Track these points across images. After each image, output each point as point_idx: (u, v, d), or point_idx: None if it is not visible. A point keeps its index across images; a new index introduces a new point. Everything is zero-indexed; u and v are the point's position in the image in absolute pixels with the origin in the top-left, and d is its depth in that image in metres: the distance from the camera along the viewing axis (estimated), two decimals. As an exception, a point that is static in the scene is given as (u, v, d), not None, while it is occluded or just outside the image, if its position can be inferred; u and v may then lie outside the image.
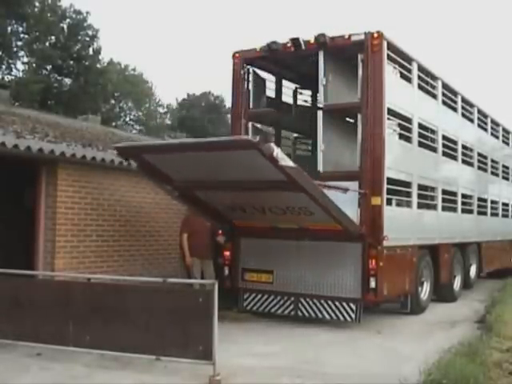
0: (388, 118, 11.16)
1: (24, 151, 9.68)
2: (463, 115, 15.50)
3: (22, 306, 8.23)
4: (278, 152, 8.41)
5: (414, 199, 12.26)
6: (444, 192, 13.83)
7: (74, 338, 7.93)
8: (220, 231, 12.34)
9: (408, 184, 12.10)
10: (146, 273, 12.02)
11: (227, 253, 12.06)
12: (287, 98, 14.26)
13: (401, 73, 12.16)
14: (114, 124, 39.53)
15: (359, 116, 10.96)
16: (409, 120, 12.25)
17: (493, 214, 18.00)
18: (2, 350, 8.30)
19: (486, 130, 17.53)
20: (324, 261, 11.04)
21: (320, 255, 11.09)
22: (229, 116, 29.06)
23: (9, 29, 36.47)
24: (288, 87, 14.27)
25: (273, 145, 8.43)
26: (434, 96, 13.55)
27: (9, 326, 8.27)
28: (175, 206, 13.08)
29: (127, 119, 52.40)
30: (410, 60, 12.20)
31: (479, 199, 16.64)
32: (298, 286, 11.26)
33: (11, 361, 8.00)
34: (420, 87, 12.73)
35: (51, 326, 8.05)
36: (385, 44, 10.92)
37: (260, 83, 12.87)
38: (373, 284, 10.53)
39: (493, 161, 17.90)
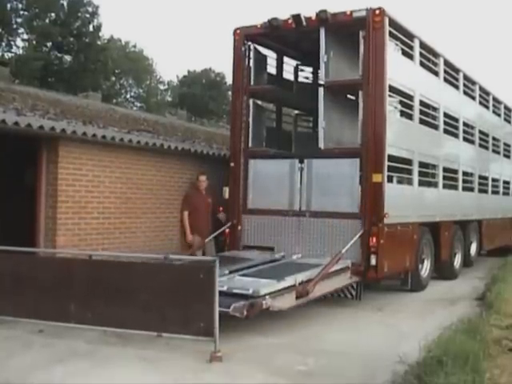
0: (389, 95, 11.12)
1: (24, 128, 9.65)
2: (465, 93, 15.43)
3: (23, 283, 8.26)
4: (266, 303, 8.24)
5: (415, 177, 12.24)
6: (445, 170, 13.81)
7: (76, 314, 7.95)
8: (221, 208, 12.38)
9: (409, 161, 12.07)
10: (147, 250, 12.05)
11: (228, 230, 12.11)
12: (288, 74, 14.23)
13: (402, 50, 12.09)
14: (114, 101, 39.40)
15: (360, 93, 10.93)
16: (410, 97, 12.20)
17: (494, 192, 17.97)
18: (5, 327, 8.34)
19: (487, 107, 17.47)
20: (324, 238, 11.08)
21: (321, 232, 11.13)
22: (230, 93, 28.93)
23: (8, 6, 36.26)
24: (289, 64, 14.23)
25: (259, 303, 8.15)
26: (436, 73, 13.48)
27: (11, 303, 8.29)
28: (176, 183, 13.08)
29: (128, 96, 52.25)
30: (411, 37, 12.12)
31: (480, 177, 16.62)
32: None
33: (14, 337, 8.04)
34: (422, 64, 12.66)
35: (53, 302, 8.07)
36: (386, 21, 10.85)
37: (261, 60, 12.83)
38: (373, 261, 10.56)
39: (494, 138, 17.84)
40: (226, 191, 12.41)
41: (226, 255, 11.04)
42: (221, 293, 7.48)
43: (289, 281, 9.08)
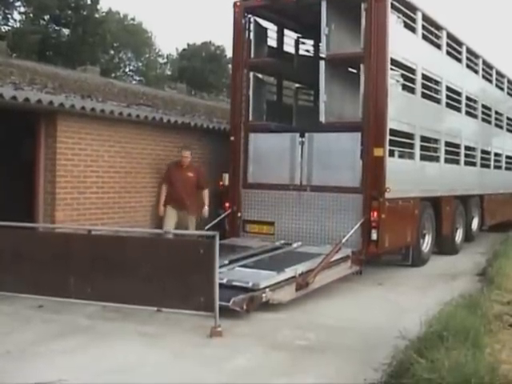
0: (391, 69, 11.06)
1: (22, 103, 9.59)
2: (468, 66, 15.36)
3: (22, 258, 8.28)
4: (266, 296, 8.35)
5: (417, 151, 12.22)
6: (447, 144, 13.79)
7: (76, 290, 7.99)
8: (221, 183, 12.34)
9: (411, 135, 12.05)
10: (146, 224, 12.06)
11: (228, 204, 12.11)
12: (289, 47, 14.16)
13: (405, 22, 12.01)
14: (113, 75, 39.18)
15: (362, 66, 10.86)
16: (412, 70, 12.14)
17: (496, 167, 17.96)
18: (4, 303, 8.37)
19: (490, 81, 17.39)
20: (325, 212, 11.10)
21: (321, 206, 11.14)
22: (230, 66, 28.79)
23: (4, -22, 35.97)
24: (290, 37, 14.16)
25: (259, 297, 8.28)
26: (439, 46, 13.41)
27: (10, 279, 8.33)
28: (176, 157, 13.05)
29: (127, 70, 51.96)
30: (414, 9, 12.03)
31: (482, 151, 16.60)
32: (299, 238, 11.32)
33: (13, 313, 8.07)
34: (424, 37, 12.59)
35: (52, 278, 8.11)
36: (388, -7, 10.78)
37: (261, 33, 12.77)
38: (374, 236, 10.58)
39: (497, 113, 17.79)
40: (226, 178, 12.31)
41: (225, 243, 10.93)
42: (220, 285, 7.51)
43: (289, 272, 9.12)
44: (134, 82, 44.91)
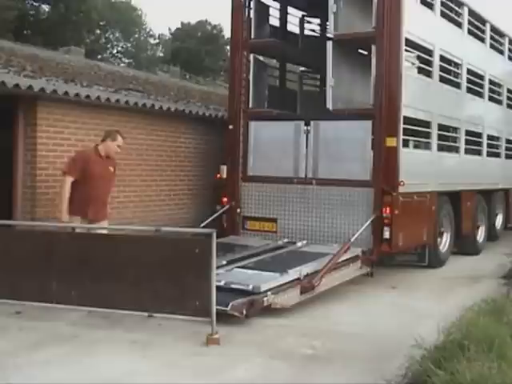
0: (406, 50, 11.04)
1: (-2, 87, 9.61)
2: (492, 46, 15.33)
3: (-1, 259, 8.26)
4: (267, 300, 8.34)
5: (434, 141, 12.22)
6: (468, 133, 13.77)
7: (58, 294, 7.95)
8: (218, 175, 12.30)
9: (427, 124, 12.04)
10: (136, 221, 12.06)
11: (226, 199, 12.09)
12: (293, 27, 14.14)
13: (421, -2, 12.01)
14: (99, 57, 39.16)
15: (373, 47, 10.83)
16: (429, 52, 12.12)
17: (523, 158, 17.94)
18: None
19: (517, 63, 17.37)
20: (332, 208, 11.09)
21: (328, 202, 11.13)
22: (228, 47, 28.81)
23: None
24: (294, 15, 14.13)
25: (260, 301, 8.27)
26: (459, 25, 13.38)
27: (-16, 282, 8.31)
28: (169, 147, 13.07)
29: (114, 51, 51.96)
30: (431, -17, 12.03)
31: (508, 141, 16.57)
32: (304, 236, 11.32)
33: (-13, 320, 8.07)
34: (443, 14, 12.56)
35: (32, 281, 8.05)
36: (403, -35, 10.75)
37: (263, 10, 12.75)
38: (387, 234, 10.56)
39: (525, 98, 17.77)
40: (224, 170, 12.26)
41: (223, 242, 10.89)
42: (218, 288, 7.49)
43: (292, 274, 9.12)
44: (122, 64, 44.90)
